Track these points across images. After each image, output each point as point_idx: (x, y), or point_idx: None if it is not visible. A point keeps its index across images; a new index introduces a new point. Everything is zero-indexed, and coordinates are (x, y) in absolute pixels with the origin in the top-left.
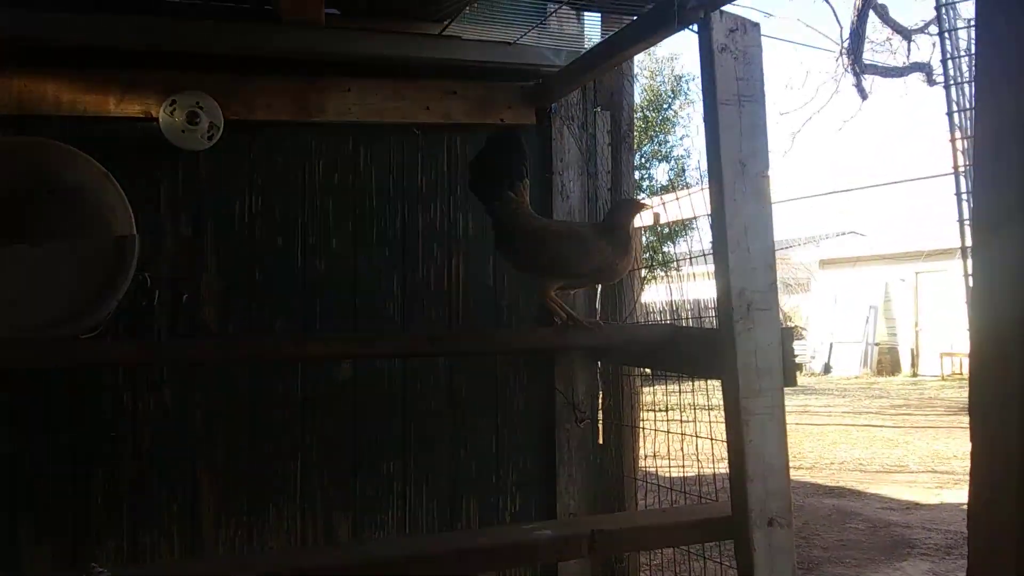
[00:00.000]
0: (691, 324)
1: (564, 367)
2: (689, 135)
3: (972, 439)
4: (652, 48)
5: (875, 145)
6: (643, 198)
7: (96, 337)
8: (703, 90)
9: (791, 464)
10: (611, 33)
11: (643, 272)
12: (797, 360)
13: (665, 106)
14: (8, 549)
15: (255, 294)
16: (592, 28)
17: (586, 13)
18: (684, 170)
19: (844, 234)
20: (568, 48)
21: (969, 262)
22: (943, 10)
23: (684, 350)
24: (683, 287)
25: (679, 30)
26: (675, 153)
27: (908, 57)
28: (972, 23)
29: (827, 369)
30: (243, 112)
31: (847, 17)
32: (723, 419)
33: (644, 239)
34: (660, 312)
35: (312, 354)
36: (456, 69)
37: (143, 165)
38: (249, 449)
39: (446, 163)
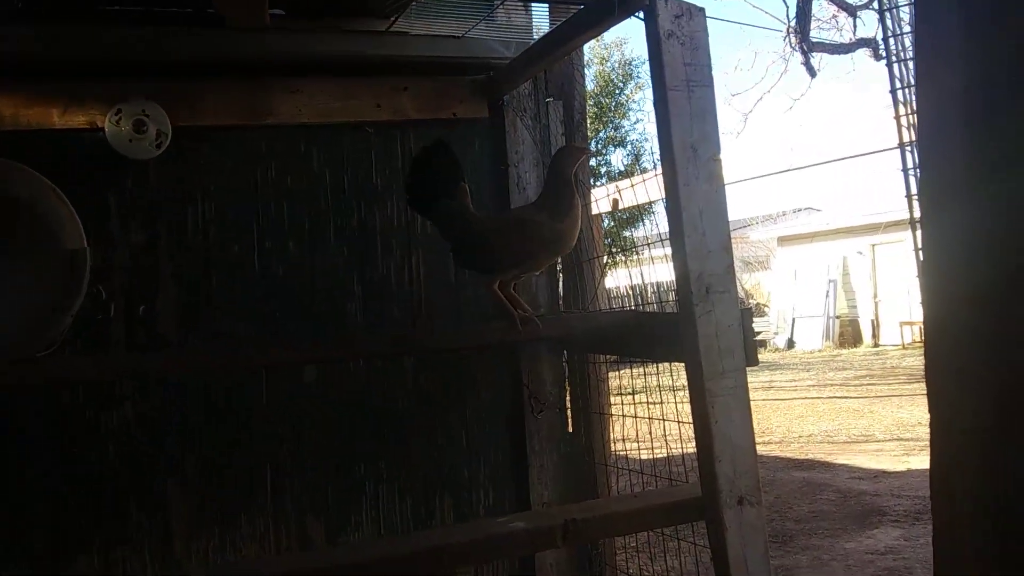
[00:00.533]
0: (654, 308)
1: (529, 358)
2: (643, 120)
3: (930, 410)
4: (601, 35)
5: (826, 122)
6: (586, 147)
7: (52, 355)
8: (652, 77)
9: (760, 439)
10: (559, 23)
11: (604, 259)
12: (761, 337)
13: (617, 91)
14: None
15: (213, 302)
16: (540, 19)
17: (534, 4)
18: (640, 155)
19: (801, 210)
20: (518, 39)
21: (919, 235)
22: None
23: (646, 335)
24: (643, 271)
25: (625, 18)
26: (630, 138)
27: (854, 33)
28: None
29: (791, 344)
30: (191, 118)
31: None
32: (685, 399)
33: (604, 224)
34: (623, 297)
35: (275, 360)
36: (406, 65)
37: (91, 177)
38: (217, 458)
39: (400, 160)
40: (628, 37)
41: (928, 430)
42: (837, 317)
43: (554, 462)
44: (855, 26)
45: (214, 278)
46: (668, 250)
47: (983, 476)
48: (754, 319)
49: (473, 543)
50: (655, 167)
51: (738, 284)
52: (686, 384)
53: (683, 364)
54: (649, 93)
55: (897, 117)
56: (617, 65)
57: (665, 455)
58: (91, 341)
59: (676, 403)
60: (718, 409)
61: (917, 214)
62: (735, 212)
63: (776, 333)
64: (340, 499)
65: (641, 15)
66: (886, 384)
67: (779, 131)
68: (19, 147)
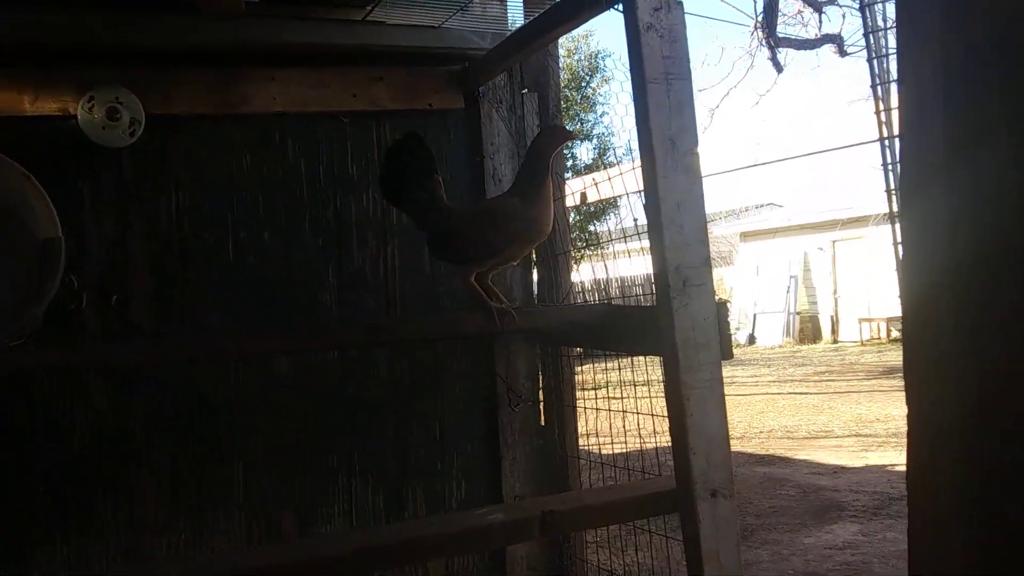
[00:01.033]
0: (620, 302)
1: (503, 351)
2: (609, 113)
3: (908, 402)
4: (578, 27)
5: (790, 117)
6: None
7: (23, 345)
8: (631, 69)
9: None
10: (534, 15)
11: (572, 252)
12: None
13: (584, 84)
14: None
15: (187, 292)
16: (515, 10)
17: None
18: (607, 149)
19: (763, 206)
20: (493, 31)
21: (899, 229)
22: None
23: (622, 329)
24: (608, 266)
25: (605, 10)
26: (596, 131)
27: (820, 29)
28: None
29: (751, 340)
30: (165, 106)
31: None
32: (654, 394)
33: (571, 219)
34: (589, 291)
35: (249, 350)
36: (382, 55)
37: (64, 165)
38: (188, 450)
39: (376, 150)
40: (594, 29)
41: (886, 426)
42: (798, 313)
43: (526, 455)
44: (820, 22)
45: (188, 268)
46: (633, 244)
47: (965, 468)
48: None
49: (451, 535)
50: (622, 160)
51: None
52: (650, 380)
53: (655, 358)
54: (616, 87)
55: (878, 112)
56: (583, 58)
57: (633, 449)
58: (63, 331)
59: (636, 398)
60: (693, 402)
61: (896, 208)
62: None
63: (738, 329)
64: (313, 491)
65: (620, 7)
66: (845, 380)
67: (744, 127)
68: None
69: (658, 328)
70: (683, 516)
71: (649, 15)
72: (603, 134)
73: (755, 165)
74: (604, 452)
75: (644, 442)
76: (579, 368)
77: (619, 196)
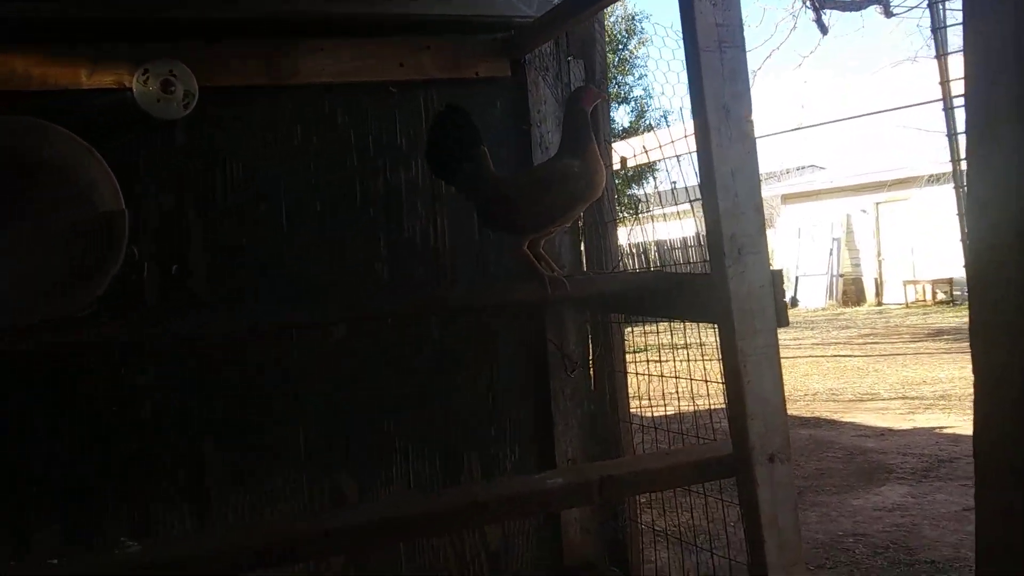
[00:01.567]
0: (657, 266)
1: (554, 318)
2: (647, 75)
3: (975, 366)
4: None
5: (833, 79)
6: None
7: (92, 315)
8: (684, 37)
9: None
10: None
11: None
12: None
13: (621, 47)
14: (15, 530)
15: (242, 262)
16: None
17: None
18: (644, 111)
19: (805, 168)
20: None
21: (962, 193)
22: None
23: (676, 296)
24: (645, 230)
25: None
26: (634, 94)
27: None
28: None
29: (794, 302)
30: (218, 78)
31: None
32: (697, 356)
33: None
34: (628, 256)
35: (306, 320)
36: (429, 24)
37: (121, 137)
38: (251, 417)
39: (424, 119)
40: None
41: (933, 388)
42: (841, 275)
43: (578, 420)
44: None
45: (243, 238)
46: (673, 208)
47: None
48: None
49: (513, 498)
50: (659, 125)
51: None
52: (695, 342)
53: (702, 323)
54: (653, 50)
55: (944, 83)
56: (620, 19)
57: (680, 412)
58: (125, 301)
59: (689, 361)
60: (750, 369)
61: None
62: None
63: None
64: (371, 455)
65: None
66: (890, 343)
67: (786, 89)
68: (49, 108)
69: (713, 296)
70: (741, 480)
71: None
72: (641, 97)
73: (798, 128)
74: (654, 416)
75: (698, 406)
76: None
77: (658, 160)
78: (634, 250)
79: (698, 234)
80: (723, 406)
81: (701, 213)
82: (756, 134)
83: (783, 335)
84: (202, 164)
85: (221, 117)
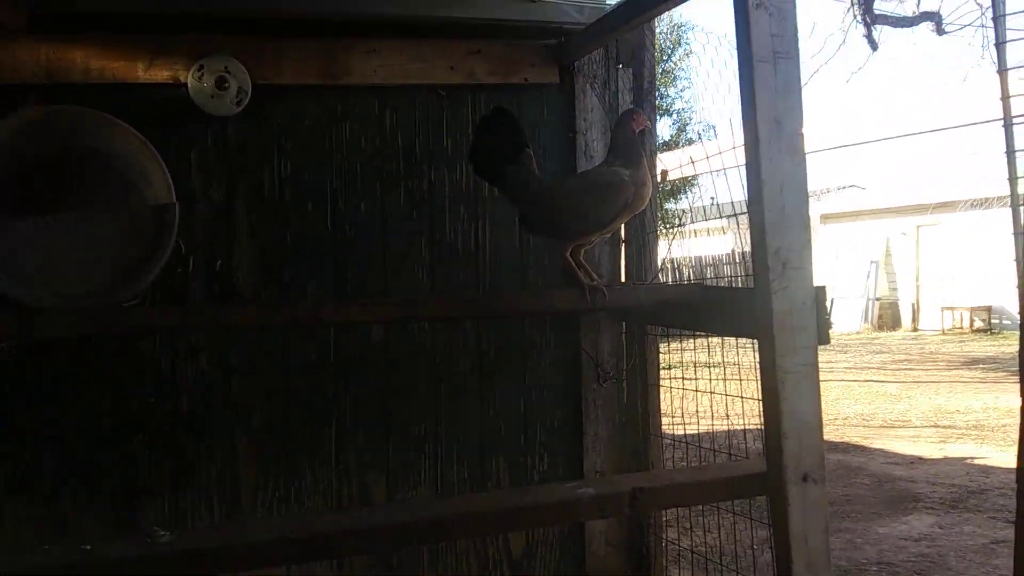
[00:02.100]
0: (692, 281)
1: (589, 327)
2: (689, 87)
3: None
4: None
5: (880, 96)
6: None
7: (138, 305)
8: (738, 47)
9: None
10: None
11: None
12: None
13: (665, 58)
14: (52, 513)
15: (286, 259)
16: None
17: None
18: (686, 125)
19: (845, 188)
20: (590, 5)
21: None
22: None
23: (716, 310)
24: (682, 244)
25: None
26: (676, 107)
27: (918, 7)
28: None
29: (828, 325)
30: (270, 76)
31: None
32: (732, 375)
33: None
34: (661, 270)
35: (351, 318)
36: (480, 27)
37: (173, 132)
38: (284, 413)
39: (471, 123)
40: None
41: (967, 418)
42: (877, 299)
43: (609, 432)
44: None
45: (288, 236)
46: (710, 223)
47: None
48: None
49: (544, 506)
50: (701, 138)
51: None
52: (724, 362)
53: (729, 341)
54: (694, 60)
55: (1005, 99)
56: (665, 30)
57: (707, 430)
58: (170, 293)
59: (712, 380)
60: (789, 386)
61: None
62: None
63: None
64: (400, 457)
65: None
66: (924, 370)
67: (831, 104)
68: (106, 100)
69: (755, 310)
70: (773, 499)
71: None
72: (683, 110)
73: (838, 147)
74: (681, 432)
75: (731, 424)
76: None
77: (698, 175)
78: (668, 265)
79: (734, 251)
80: (756, 426)
81: (740, 229)
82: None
83: None
84: (251, 161)
85: (272, 114)
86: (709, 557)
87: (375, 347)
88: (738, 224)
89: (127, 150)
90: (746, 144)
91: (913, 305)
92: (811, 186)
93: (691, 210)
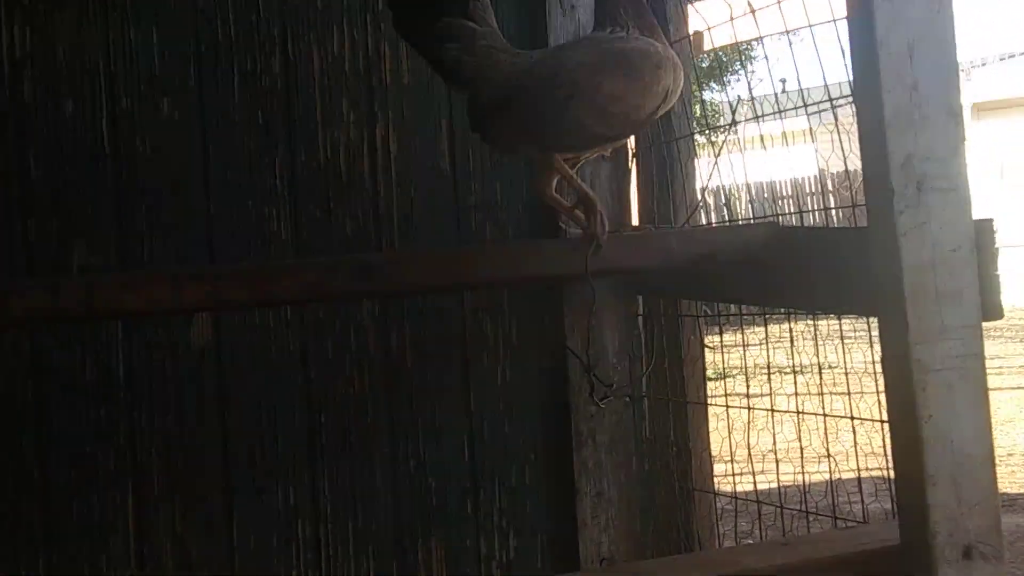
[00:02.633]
0: (751, 221)
1: (579, 308)
2: None
3: None
4: None
5: None
6: None
7: None
8: None
9: None
10: None
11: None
12: None
13: None
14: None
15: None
16: None
17: None
18: None
19: (1010, 57)
20: None
21: None
22: None
23: (801, 267)
24: (732, 160)
25: None
26: None
27: None
28: None
29: None
30: None
31: None
32: (833, 386)
33: None
34: (701, 206)
35: (152, 303)
36: None
37: None
38: (44, 473)
39: None
40: None
41: None
42: None
43: (620, 488)
44: None
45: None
46: (775, 125)
47: None
48: None
49: None
50: None
51: None
52: (810, 364)
53: (833, 320)
54: None
55: None
56: None
57: (788, 481)
58: None
59: (800, 395)
60: (932, 393)
61: None
62: None
63: None
64: (251, 543)
65: None
66: None
67: None
68: None
69: (869, 265)
70: None
71: None
72: None
73: None
74: (748, 484)
75: (834, 468)
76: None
77: (760, 39)
78: (709, 199)
79: (824, 171)
80: (878, 470)
81: (837, 131)
82: None
83: None
84: None
85: None
86: None
87: (200, 357)
88: (837, 123)
89: None
90: None
91: None
92: (960, 56)
93: (748, 101)
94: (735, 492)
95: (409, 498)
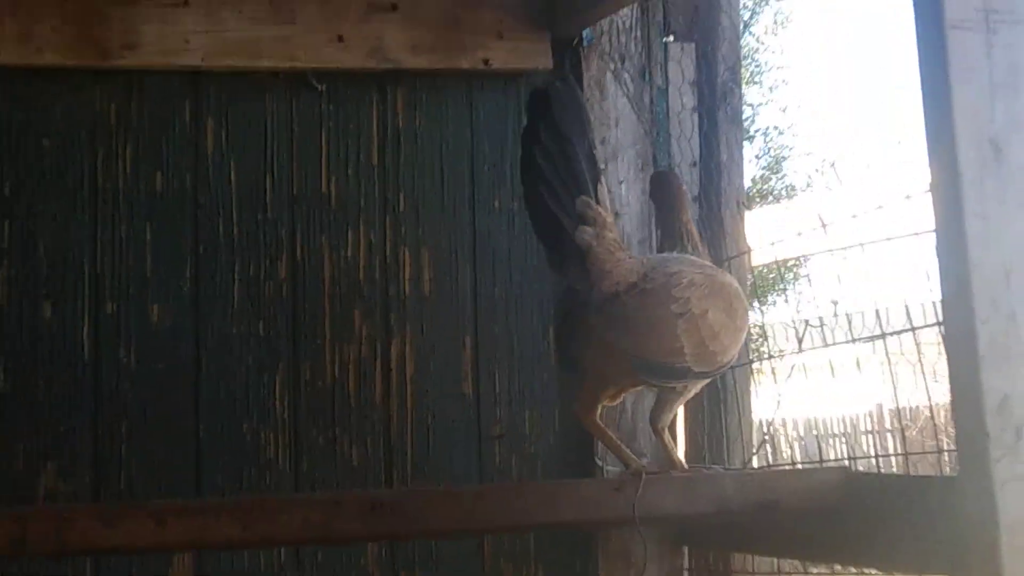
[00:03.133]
0: (802, 464)
1: (618, 558)
2: (779, 86)
3: None
4: None
5: None
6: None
7: None
8: (915, 7)
9: None
10: None
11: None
12: None
13: (742, 27)
14: None
15: None
16: None
17: None
18: (780, 159)
19: None
20: None
21: None
22: None
23: (873, 520)
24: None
25: None
26: (758, 124)
27: None
28: None
29: None
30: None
31: None
32: None
33: None
34: (763, 443)
35: (130, 539)
36: None
37: None
38: None
39: (379, 141)
40: None
41: None
42: None
43: None
44: None
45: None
46: (830, 353)
47: None
48: None
49: None
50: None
51: None
52: None
53: None
54: (798, 32)
55: None
56: None
57: None
58: None
59: None
60: None
61: None
62: None
63: None
64: None
65: None
66: None
67: None
68: None
69: (959, 519)
70: None
71: None
72: (768, 131)
73: None
74: None
75: None
76: None
77: (808, 256)
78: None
79: (899, 408)
80: None
81: (881, 364)
82: None
83: None
84: None
85: None
86: None
87: None
88: (901, 347)
89: None
90: (933, 187)
91: None
92: None
93: (795, 325)
94: None
95: None
